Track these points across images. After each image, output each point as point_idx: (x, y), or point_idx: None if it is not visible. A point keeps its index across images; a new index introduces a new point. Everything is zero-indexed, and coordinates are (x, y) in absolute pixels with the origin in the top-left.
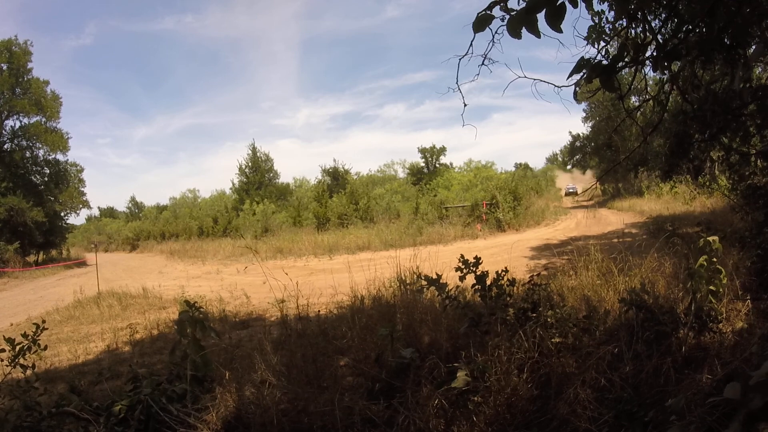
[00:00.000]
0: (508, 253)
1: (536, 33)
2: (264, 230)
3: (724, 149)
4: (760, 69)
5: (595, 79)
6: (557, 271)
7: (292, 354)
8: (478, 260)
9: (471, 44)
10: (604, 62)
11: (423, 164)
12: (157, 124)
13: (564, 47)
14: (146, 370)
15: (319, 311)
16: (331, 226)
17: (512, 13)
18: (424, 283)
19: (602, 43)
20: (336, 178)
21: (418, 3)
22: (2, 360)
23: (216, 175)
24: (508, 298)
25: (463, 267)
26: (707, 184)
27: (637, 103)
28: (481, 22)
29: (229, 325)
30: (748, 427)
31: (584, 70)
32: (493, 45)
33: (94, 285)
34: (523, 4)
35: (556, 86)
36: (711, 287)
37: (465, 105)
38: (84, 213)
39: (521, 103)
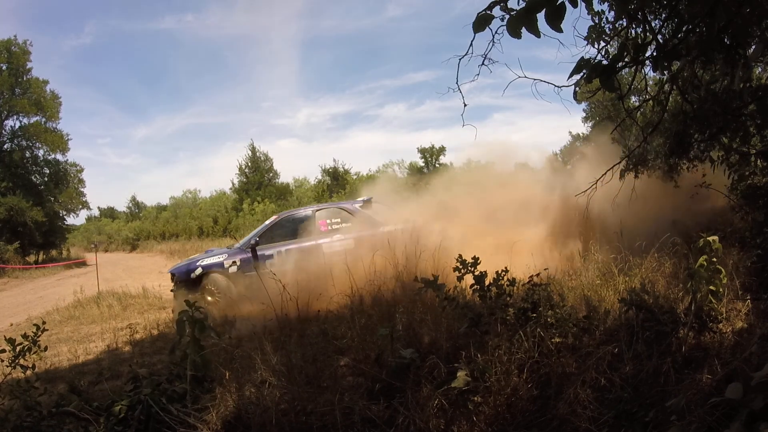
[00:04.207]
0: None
1: (536, 33)
2: None
3: (724, 149)
4: (760, 69)
5: (595, 79)
6: (557, 271)
7: (292, 354)
8: (476, 260)
9: (471, 44)
10: (604, 62)
11: (422, 164)
12: (157, 124)
13: (564, 47)
14: (146, 370)
15: (318, 311)
16: None
17: (512, 13)
18: (421, 285)
19: (602, 43)
20: (336, 178)
21: (418, 2)
22: (2, 360)
23: (216, 175)
24: (508, 298)
25: (461, 267)
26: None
27: (637, 103)
28: (481, 22)
29: (229, 325)
30: (750, 427)
31: (584, 71)
32: (493, 45)
33: (94, 285)
34: (523, 4)
35: (556, 86)
36: (711, 287)
37: (465, 105)
38: (84, 213)
39: (522, 103)
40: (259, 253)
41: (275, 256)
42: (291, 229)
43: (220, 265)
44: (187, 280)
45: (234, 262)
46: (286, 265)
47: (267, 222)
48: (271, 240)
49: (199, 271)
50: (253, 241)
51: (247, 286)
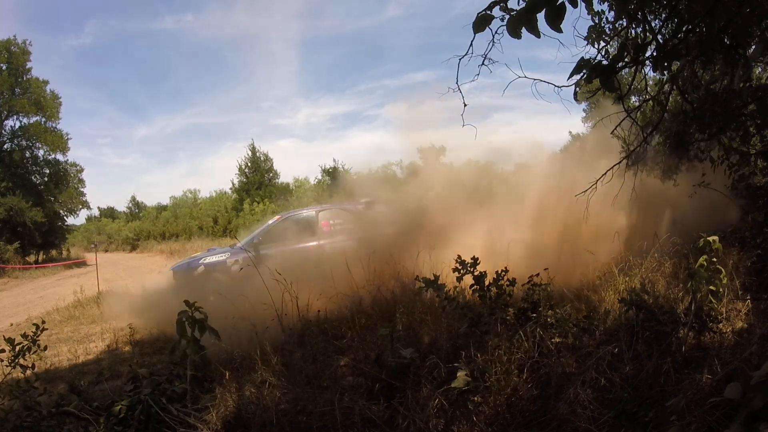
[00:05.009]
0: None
1: (536, 33)
2: None
3: (724, 149)
4: (760, 69)
5: (595, 79)
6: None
7: (291, 354)
8: (475, 260)
9: (471, 44)
10: (604, 62)
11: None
12: (157, 124)
13: (564, 47)
14: (146, 370)
15: (318, 311)
16: None
17: (512, 13)
18: (421, 285)
19: (602, 43)
20: (336, 178)
21: (418, 2)
22: (2, 360)
23: (216, 175)
24: (508, 298)
25: (460, 267)
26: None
27: (637, 103)
28: (481, 22)
29: (229, 325)
30: (749, 427)
31: (584, 71)
32: (493, 45)
33: (94, 285)
34: (523, 4)
35: (556, 86)
36: (711, 287)
37: (465, 105)
38: (84, 213)
39: (522, 103)
40: (261, 252)
41: (278, 256)
42: (294, 229)
43: (223, 263)
44: (188, 278)
45: (236, 261)
46: (288, 265)
47: (270, 221)
48: (273, 240)
49: (201, 269)
50: (255, 241)
51: (248, 286)
